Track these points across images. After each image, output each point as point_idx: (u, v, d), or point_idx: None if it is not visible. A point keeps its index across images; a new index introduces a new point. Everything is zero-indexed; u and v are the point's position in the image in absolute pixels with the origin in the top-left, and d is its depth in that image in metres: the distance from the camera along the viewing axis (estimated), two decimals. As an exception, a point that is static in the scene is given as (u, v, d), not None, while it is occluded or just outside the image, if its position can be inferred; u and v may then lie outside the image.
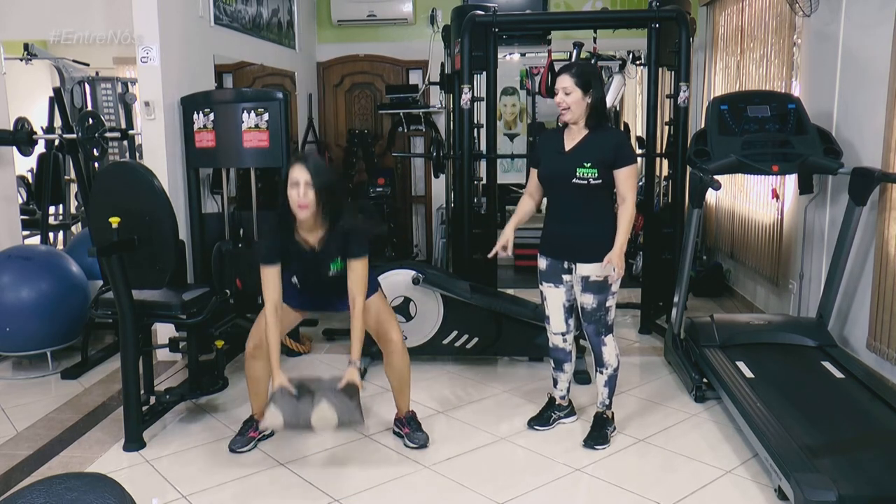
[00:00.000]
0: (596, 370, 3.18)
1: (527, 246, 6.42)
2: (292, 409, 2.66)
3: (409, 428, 3.15)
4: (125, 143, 5.75)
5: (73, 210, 6.19)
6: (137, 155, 5.67)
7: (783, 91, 4.43)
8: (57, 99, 5.22)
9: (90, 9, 4.97)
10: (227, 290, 3.63)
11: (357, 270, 2.83)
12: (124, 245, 3.02)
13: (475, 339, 4.03)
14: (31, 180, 6.49)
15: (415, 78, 6.65)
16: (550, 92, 4.80)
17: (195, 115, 4.17)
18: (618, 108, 6.39)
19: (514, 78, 7.97)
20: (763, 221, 4.88)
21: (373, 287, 3.00)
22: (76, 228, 6.12)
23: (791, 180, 4.33)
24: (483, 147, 4.96)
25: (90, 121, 4.76)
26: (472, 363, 4.13)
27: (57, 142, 5.23)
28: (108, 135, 4.88)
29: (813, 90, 4.12)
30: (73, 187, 5.93)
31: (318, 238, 2.85)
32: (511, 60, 7.55)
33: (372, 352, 3.82)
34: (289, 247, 2.85)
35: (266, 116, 4.08)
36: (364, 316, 2.88)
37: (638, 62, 5.94)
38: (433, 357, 4.14)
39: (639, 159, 3.59)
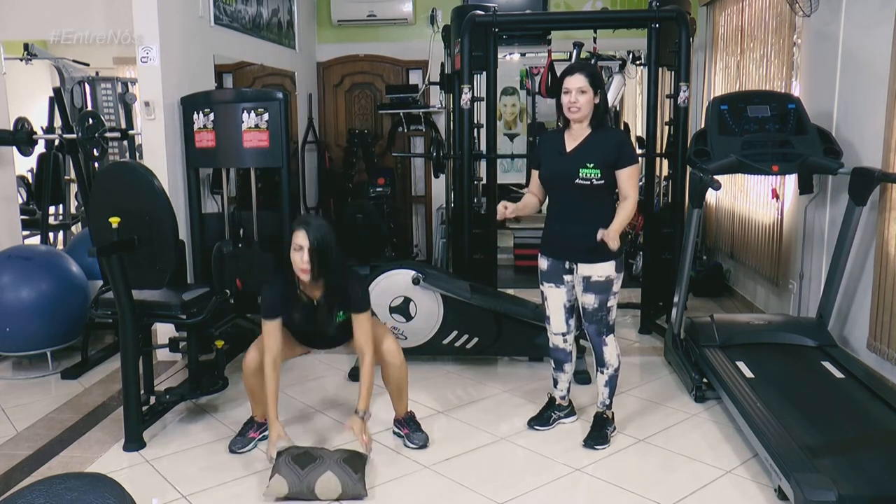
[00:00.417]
0: (596, 370, 3.18)
1: (527, 246, 6.48)
2: (297, 479, 2.67)
3: (409, 428, 3.15)
4: (125, 143, 5.75)
5: (73, 210, 6.19)
6: (137, 155, 5.67)
7: (783, 91, 4.43)
8: (57, 99, 5.22)
9: (90, 9, 4.97)
10: (227, 290, 3.63)
11: (363, 324, 2.94)
12: (124, 245, 3.02)
13: (475, 339, 4.03)
14: (31, 180, 6.49)
15: (415, 78, 6.65)
16: (550, 92, 4.82)
17: (195, 115, 4.17)
18: (618, 108, 6.39)
19: (514, 78, 7.97)
20: (763, 221, 4.88)
21: (364, 304, 3.00)
22: (76, 228, 6.12)
23: (791, 180, 4.33)
24: (483, 147, 4.95)
25: (90, 121, 4.76)
26: (472, 363, 4.13)
27: (57, 142, 5.23)
28: (108, 135, 4.88)
29: (813, 90, 4.12)
30: (73, 187, 5.93)
31: (319, 294, 2.93)
32: (511, 60, 7.56)
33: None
34: (292, 300, 2.94)
35: (266, 116, 4.08)
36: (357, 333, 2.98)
37: (638, 62, 5.94)
38: (433, 357, 4.14)
39: (639, 159, 3.58)
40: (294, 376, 3.98)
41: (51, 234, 5.89)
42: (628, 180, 2.95)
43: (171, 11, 4.14)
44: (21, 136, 4.55)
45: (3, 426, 3.41)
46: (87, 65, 5.92)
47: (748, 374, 3.40)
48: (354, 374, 3.93)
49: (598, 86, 2.94)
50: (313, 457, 2.77)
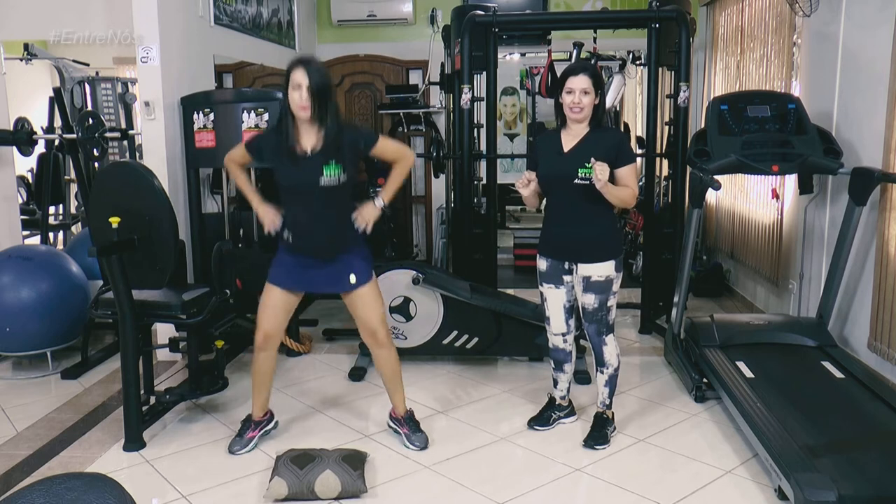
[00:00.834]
0: (596, 370, 3.18)
1: (527, 246, 6.47)
2: (296, 479, 2.67)
3: (409, 428, 3.14)
4: (125, 143, 5.75)
5: (73, 210, 6.19)
6: (137, 155, 5.67)
7: (783, 91, 4.43)
8: (57, 99, 5.22)
9: (90, 9, 4.96)
10: (227, 290, 3.62)
11: (388, 144, 3.15)
12: (124, 245, 3.02)
13: (475, 339, 4.03)
14: (31, 180, 6.50)
15: (415, 78, 6.64)
16: (550, 92, 4.82)
17: (195, 115, 4.17)
18: (618, 108, 6.39)
19: (514, 78, 7.97)
20: (763, 221, 4.88)
21: (367, 276, 2.99)
22: (76, 228, 6.12)
23: (791, 180, 4.33)
24: (483, 147, 4.95)
25: (90, 121, 4.77)
26: (472, 363, 4.13)
27: (57, 142, 5.24)
28: (108, 135, 4.88)
29: (813, 90, 4.12)
30: (73, 187, 5.94)
31: (313, 142, 2.86)
32: (511, 60, 7.56)
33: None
34: (283, 153, 2.86)
35: (266, 116, 4.08)
36: (354, 304, 2.99)
37: (638, 62, 5.94)
38: (433, 357, 4.14)
39: (638, 159, 3.58)
40: (294, 376, 3.98)
41: (51, 234, 5.89)
42: (627, 178, 2.94)
43: (170, 11, 4.14)
44: (21, 136, 4.55)
45: (3, 426, 3.41)
46: (87, 65, 5.92)
47: (748, 374, 3.40)
48: (354, 374, 3.93)
49: (600, 86, 2.96)
50: (312, 457, 2.77)
